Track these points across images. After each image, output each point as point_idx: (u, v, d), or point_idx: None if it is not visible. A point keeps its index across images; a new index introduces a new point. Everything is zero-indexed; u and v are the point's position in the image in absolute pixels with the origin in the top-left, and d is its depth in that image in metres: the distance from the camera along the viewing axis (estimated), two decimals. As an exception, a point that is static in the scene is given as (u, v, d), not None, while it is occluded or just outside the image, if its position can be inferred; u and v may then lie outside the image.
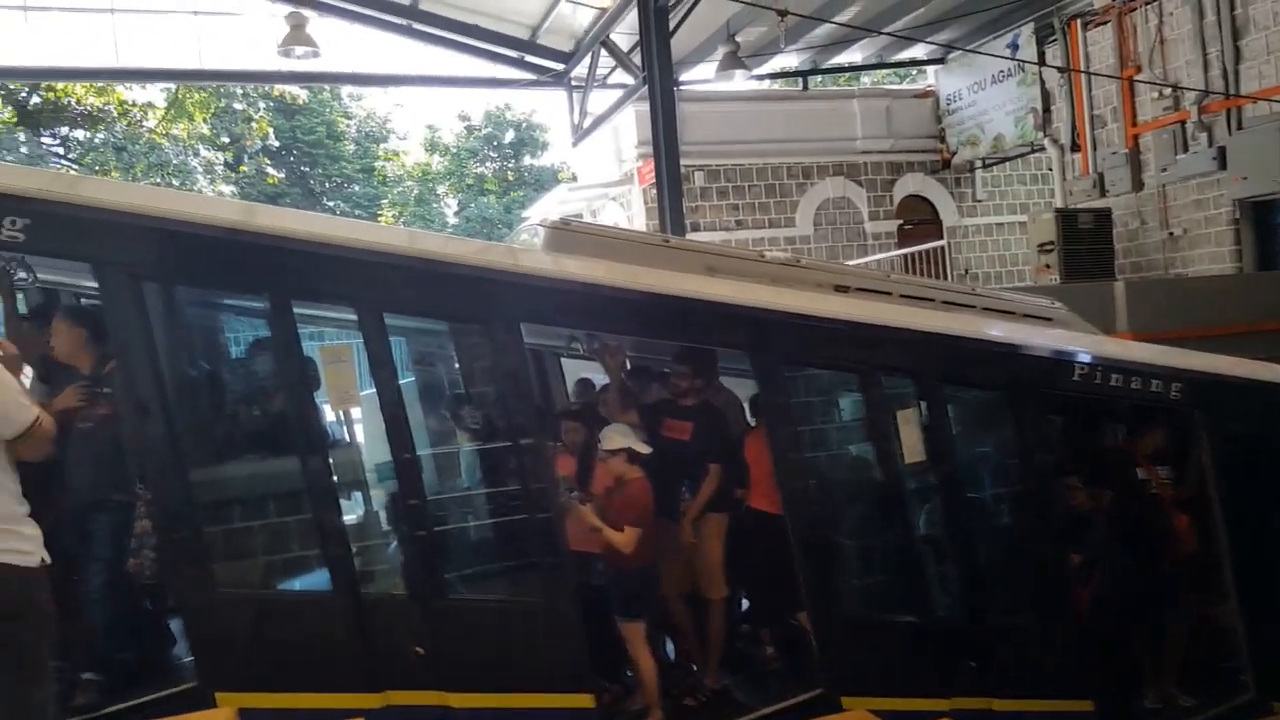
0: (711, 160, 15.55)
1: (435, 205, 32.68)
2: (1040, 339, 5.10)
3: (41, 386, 4.40)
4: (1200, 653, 5.34)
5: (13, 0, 13.58)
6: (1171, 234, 12.43)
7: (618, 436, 4.71)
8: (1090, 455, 5.58)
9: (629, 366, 5.58)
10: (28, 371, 4.29)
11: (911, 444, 4.75)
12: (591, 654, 4.39)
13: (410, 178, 32.89)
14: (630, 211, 16.20)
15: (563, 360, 6.77)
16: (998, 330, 5.08)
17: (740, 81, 14.71)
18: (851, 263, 14.91)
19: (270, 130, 28.16)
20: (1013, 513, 5.32)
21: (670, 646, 5.34)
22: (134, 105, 24.01)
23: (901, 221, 16.61)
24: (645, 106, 12.42)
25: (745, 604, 5.75)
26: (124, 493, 4.33)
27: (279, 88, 24.74)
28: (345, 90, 29.43)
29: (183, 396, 4.27)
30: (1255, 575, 5.09)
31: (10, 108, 22.86)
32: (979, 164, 16.55)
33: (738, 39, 13.89)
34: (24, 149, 22.88)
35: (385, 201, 31.50)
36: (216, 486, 4.26)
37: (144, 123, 24.44)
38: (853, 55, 17.12)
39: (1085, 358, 4.95)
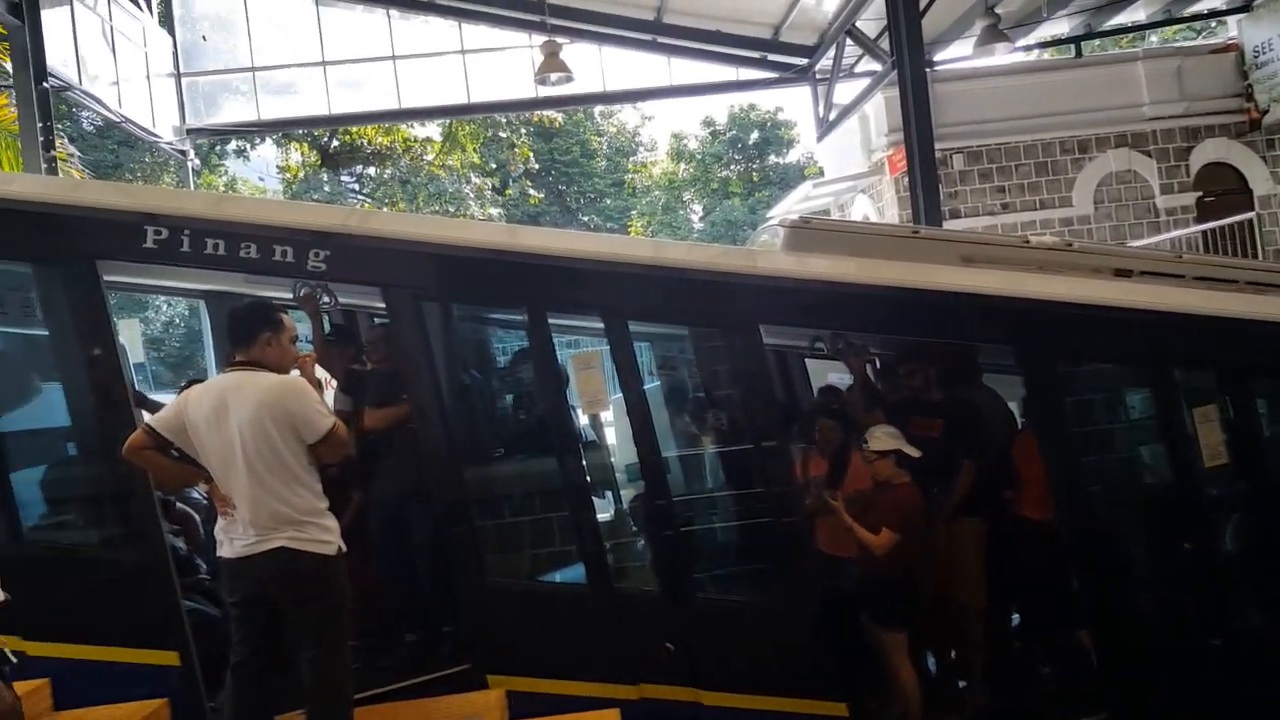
0: (971, 141, 14.62)
1: (681, 212, 33.44)
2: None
3: (344, 397, 4.99)
4: None
5: (313, 57, 15.71)
6: None
7: (887, 438, 4.50)
8: None
9: (876, 365, 5.37)
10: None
11: (1212, 445, 4.25)
12: (844, 661, 4.27)
13: (657, 187, 33.91)
14: (881, 203, 15.62)
15: (807, 361, 6.65)
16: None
17: (1001, 55, 13.67)
18: (1141, 242, 13.43)
19: (531, 154, 30.28)
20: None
21: (930, 658, 5.09)
22: (415, 141, 26.91)
23: (1201, 194, 14.72)
24: (895, 92, 11.90)
25: (1016, 618, 5.33)
26: (417, 491, 4.73)
27: (538, 113, 26.46)
28: (597, 109, 31.00)
29: (456, 402, 4.66)
30: None
31: (315, 152, 26.47)
32: (1298, 121, 14.30)
33: (997, 11, 12.97)
34: (326, 188, 26.35)
35: (634, 212, 32.71)
36: (487, 485, 4.60)
37: (424, 156, 27.28)
38: (1134, 14, 15.48)
39: None
